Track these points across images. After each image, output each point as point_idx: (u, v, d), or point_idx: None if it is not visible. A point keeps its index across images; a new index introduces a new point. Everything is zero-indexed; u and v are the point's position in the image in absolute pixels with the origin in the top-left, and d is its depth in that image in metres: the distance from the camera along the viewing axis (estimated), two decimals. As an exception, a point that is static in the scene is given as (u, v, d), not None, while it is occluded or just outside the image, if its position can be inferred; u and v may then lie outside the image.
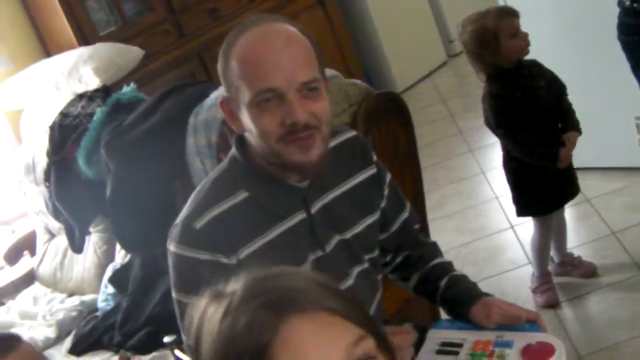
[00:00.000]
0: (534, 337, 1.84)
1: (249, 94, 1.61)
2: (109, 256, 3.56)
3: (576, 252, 3.52)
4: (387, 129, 2.60)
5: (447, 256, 2.15)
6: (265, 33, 1.62)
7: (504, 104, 3.04)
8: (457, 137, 5.34)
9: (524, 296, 3.47)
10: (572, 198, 3.36)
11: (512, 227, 3.97)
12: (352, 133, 1.94)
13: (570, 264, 3.46)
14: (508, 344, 1.84)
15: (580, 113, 3.21)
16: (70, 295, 3.73)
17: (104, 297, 3.46)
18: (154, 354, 2.99)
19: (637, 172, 4.00)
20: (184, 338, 1.77)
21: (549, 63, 3.19)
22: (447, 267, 2.07)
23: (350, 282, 1.84)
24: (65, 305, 3.57)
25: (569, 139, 3.12)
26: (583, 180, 4.00)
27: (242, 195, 1.70)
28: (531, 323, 1.90)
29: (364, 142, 1.97)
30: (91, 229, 3.59)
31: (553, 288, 3.39)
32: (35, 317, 3.54)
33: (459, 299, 1.97)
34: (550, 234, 3.37)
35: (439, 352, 1.90)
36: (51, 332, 3.40)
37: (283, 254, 1.70)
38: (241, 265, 1.64)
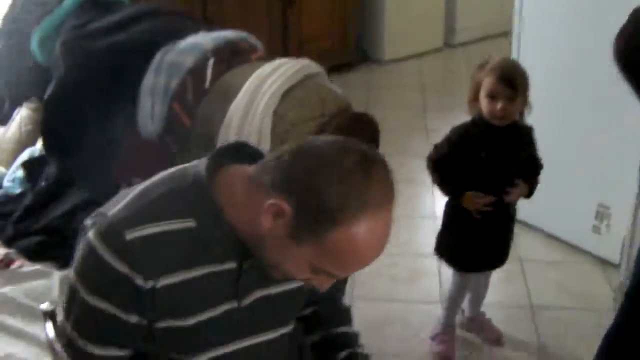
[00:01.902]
0: None
1: (330, 267, 1.49)
2: (32, 139, 3.37)
3: (489, 311, 3.44)
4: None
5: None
6: (382, 232, 1.46)
7: (460, 152, 2.90)
8: (421, 134, 5.21)
9: (424, 335, 3.39)
10: (493, 268, 3.23)
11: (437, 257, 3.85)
12: None
13: (479, 324, 3.39)
14: None
15: (551, 167, 3.09)
16: (-20, 159, 3.53)
17: (11, 177, 3.30)
18: (37, 266, 2.87)
19: (580, 253, 3.94)
20: (59, 314, 1.63)
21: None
22: (353, 339, 1.95)
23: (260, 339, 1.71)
24: (-31, 171, 3.38)
25: (517, 187, 2.98)
26: (524, 238, 3.94)
27: (188, 223, 1.54)
28: None
29: None
30: (24, 103, 3.38)
31: (452, 341, 3.32)
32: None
33: None
34: (465, 290, 3.28)
35: None
36: (-56, 198, 3.22)
37: (199, 294, 1.56)
38: (154, 292, 1.51)
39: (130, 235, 1.49)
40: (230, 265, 1.58)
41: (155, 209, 1.53)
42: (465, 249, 3.10)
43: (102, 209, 1.58)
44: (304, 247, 1.45)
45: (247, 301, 1.63)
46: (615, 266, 3.78)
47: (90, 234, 1.52)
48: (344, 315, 1.99)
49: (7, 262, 2.87)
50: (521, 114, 2.90)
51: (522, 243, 3.91)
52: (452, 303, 3.30)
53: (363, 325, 2.05)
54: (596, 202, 3.80)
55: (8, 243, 3.00)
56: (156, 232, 1.51)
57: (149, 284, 1.50)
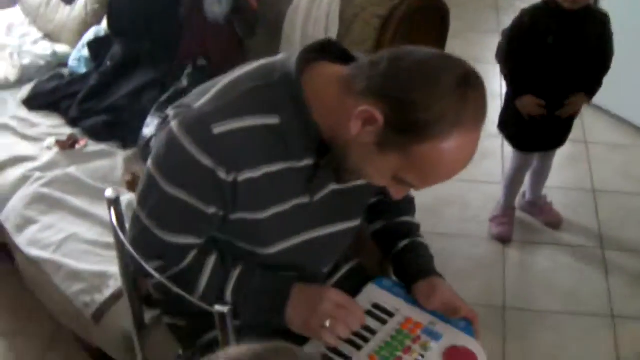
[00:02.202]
0: (463, 341, 1.78)
1: (411, 178, 1.50)
2: (98, 18, 3.37)
3: (550, 194, 3.43)
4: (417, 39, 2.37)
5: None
6: (469, 151, 1.47)
7: (527, 37, 2.83)
8: (491, 11, 5.07)
9: (483, 216, 3.41)
10: (551, 149, 3.21)
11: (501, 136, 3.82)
12: None
13: (539, 207, 3.38)
14: (436, 336, 1.78)
15: (622, 48, 2.98)
16: (46, 36, 3.56)
17: (77, 56, 3.31)
18: (102, 146, 2.91)
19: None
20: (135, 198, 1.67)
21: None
22: (413, 229, 1.97)
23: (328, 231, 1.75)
24: (37, 49, 3.41)
25: (575, 101, 2.96)
26: (590, 119, 3.87)
27: (273, 119, 1.54)
28: (467, 322, 1.84)
29: None
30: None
31: (511, 224, 3.33)
32: (4, 49, 3.38)
33: (410, 268, 1.90)
34: (523, 171, 3.27)
35: (368, 312, 1.84)
36: (13, 75, 3.27)
37: (276, 189, 1.59)
38: (236, 185, 1.53)
39: (218, 129, 1.49)
40: (308, 161, 1.59)
41: (242, 104, 1.53)
42: (525, 128, 3.06)
43: (185, 100, 1.58)
44: (389, 157, 1.45)
45: (319, 196, 1.66)
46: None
47: (174, 126, 1.52)
48: (408, 205, 2.01)
49: (72, 142, 2.89)
50: None
51: (587, 125, 3.84)
52: (512, 185, 3.29)
53: (422, 206, 2.05)
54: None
55: (73, 123, 3.02)
56: (241, 127, 1.51)
57: (231, 177, 1.52)
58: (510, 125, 3.13)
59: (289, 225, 1.65)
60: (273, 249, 1.67)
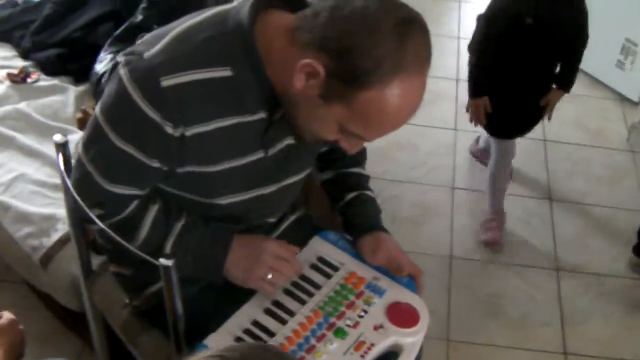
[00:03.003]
0: (406, 297, 1.81)
1: (357, 129, 1.49)
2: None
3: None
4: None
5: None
6: (413, 98, 1.46)
7: (506, 18, 2.75)
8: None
9: (431, 163, 3.42)
10: (531, 128, 3.13)
11: (457, 80, 3.84)
12: None
13: (490, 154, 3.37)
14: (379, 292, 1.81)
15: None
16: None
17: (31, -17, 3.22)
18: (55, 81, 2.86)
19: (601, 88, 3.95)
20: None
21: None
22: (362, 180, 1.98)
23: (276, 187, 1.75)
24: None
25: (551, 100, 2.92)
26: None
27: (225, 72, 1.52)
28: (410, 278, 1.87)
29: None
30: None
31: (500, 229, 3.18)
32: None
33: (356, 221, 1.92)
34: (508, 160, 3.18)
35: (313, 266, 1.86)
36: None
37: (228, 143, 1.57)
38: (183, 140, 1.51)
39: (167, 82, 1.47)
40: (261, 115, 1.58)
41: (193, 57, 1.51)
42: (503, 115, 2.97)
43: (138, 47, 1.54)
44: (334, 108, 1.45)
45: (274, 150, 1.66)
46: (635, 104, 3.75)
47: (124, 75, 1.50)
48: (359, 155, 2.01)
49: (23, 76, 2.82)
50: None
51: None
52: (495, 181, 3.16)
53: (373, 150, 2.04)
54: (623, 36, 3.72)
55: (25, 55, 2.96)
56: (192, 80, 1.49)
57: (178, 131, 1.50)
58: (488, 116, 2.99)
59: (241, 180, 1.65)
60: (222, 201, 1.67)
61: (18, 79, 2.81)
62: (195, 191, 1.65)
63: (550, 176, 3.42)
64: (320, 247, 1.91)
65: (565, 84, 2.91)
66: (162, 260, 1.56)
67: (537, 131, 3.58)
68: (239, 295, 1.74)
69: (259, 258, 1.70)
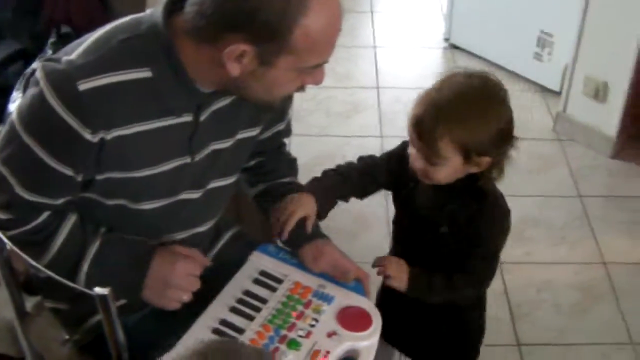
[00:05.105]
0: (355, 300, 1.78)
1: (312, 61, 1.48)
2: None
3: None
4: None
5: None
6: (333, 10, 1.46)
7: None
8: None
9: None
10: None
11: (377, 88, 3.83)
12: None
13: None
14: (327, 299, 1.77)
15: None
16: None
17: None
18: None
19: (521, 81, 3.99)
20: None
21: None
22: (294, 189, 1.94)
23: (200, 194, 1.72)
24: None
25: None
26: (463, 64, 3.93)
27: (145, 73, 1.48)
28: (357, 281, 1.84)
29: None
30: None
31: None
32: None
33: (294, 232, 1.86)
34: None
35: (256, 281, 1.81)
36: None
37: (152, 148, 1.54)
38: (102, 145, 1.47)
39: (84, 85, 1.43)
40: (186, 118, 1.55)
41: (110, 58, 1.48)
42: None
43: (56, 55, 1.51)
44: (280, 63, 1.45)
45: (200, 156, 1.63)
46: (556, 93, 3.80)
47: (41, 78, 1.46)
48: (290, 166, 2.00)
49: None
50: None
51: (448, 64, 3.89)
52: None
53: (301, 165, 2.04)
54: (538, 28, 3.77)
55: None
56: (110, 83, 1.46)
57: (97, 137, 1.46)
58: None
59: (166, 185, 1.62)
60: (145, 206, 1.62)
61: None
62: (116, 196, 1.60)
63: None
64: (261, 261, 1.87)
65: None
66: (98, 290, 1.49)
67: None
68: (183, 319, 1.68)
69: (171, 282, 1.65)
